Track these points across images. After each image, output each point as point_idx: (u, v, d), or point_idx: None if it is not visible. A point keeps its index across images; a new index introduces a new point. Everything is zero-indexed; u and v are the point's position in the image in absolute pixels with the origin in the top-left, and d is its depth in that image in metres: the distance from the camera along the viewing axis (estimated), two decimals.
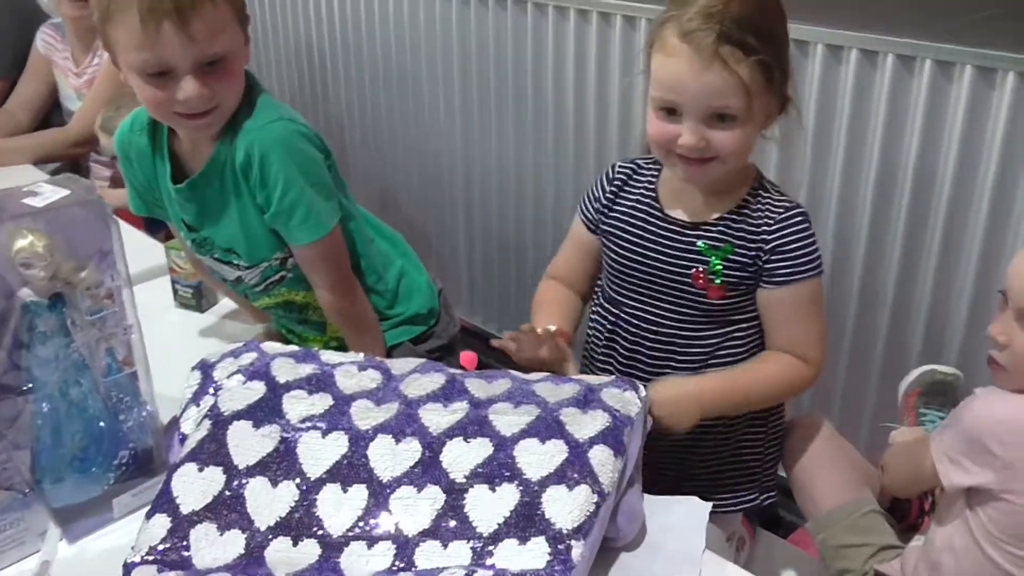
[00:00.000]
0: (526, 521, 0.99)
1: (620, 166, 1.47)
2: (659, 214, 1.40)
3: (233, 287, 1.58)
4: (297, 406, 1.13)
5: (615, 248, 1.43)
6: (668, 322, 1.41)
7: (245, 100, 1.38)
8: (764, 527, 1.66)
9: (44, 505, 1.11)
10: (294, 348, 1.26)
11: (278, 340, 1.47)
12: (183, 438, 1.16)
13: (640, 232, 1.41)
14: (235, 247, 1.47)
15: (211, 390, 1.19)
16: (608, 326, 1.47)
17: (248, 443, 1.09)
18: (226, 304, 1.77)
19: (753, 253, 1.34)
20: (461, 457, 1.06)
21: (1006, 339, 1.21)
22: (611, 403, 1.12)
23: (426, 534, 1.01)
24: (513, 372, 1.21)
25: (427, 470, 1.05)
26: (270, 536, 1.02)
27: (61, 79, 2.72)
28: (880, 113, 1.86)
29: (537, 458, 1.04)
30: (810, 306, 1.37)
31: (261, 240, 1.45)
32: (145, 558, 1.00)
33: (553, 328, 1.38)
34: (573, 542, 0.97)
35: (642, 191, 1.43)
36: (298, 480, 1.06)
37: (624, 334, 1.45)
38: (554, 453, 1.04)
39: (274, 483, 1.06)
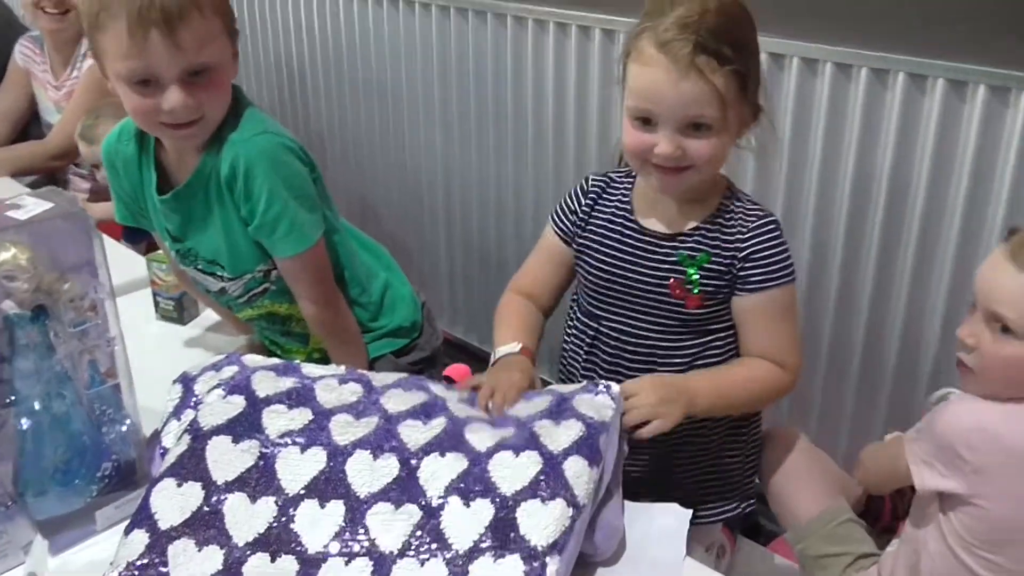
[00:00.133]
0: (501, 538, 1.00)
1: (594, 179, 1.47)
2: (635, 226, 1.40)
3: (216, 298, 1.58)
4: (277, 421, 1.14)
5: (592, 262, 1.43)
6: (648, 334, 1.41)
7: (231, 112, 1.39)
8: (744, 535, 1.67)
9: (27, 518, 1.11)
10: (275, 361, 1.26)
11: (261, 352, 1.48)
12: (164, 452, 1.16)
13: (617, 245, 1.41)
14: (219, 259, 1.47)
15: (192, 403, 1.19)
16: (588, 340, 1.46)
17: (227, 458, 1.09)
18: (208, 316, 1.77)
19: (728, 261, 1.35)
20: (437, 472, 1.07)
21: (974, 341, 1.22)
22: (584, 410, 1.13)
23: (403, 551, 1.01)
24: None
25: (404, 487, 1.06)
26: (248, 552, 1.02)
27: (40, 92, 2.71)
28: (855, 125, 1.88)
29: (511, 471, 1.05)
30: (784, 312, 1.38)
31: (245, 252, 1.45)
32: (123, 574, 1.00)
33: (518, 347, 1.37)
34: (548, 559, 0.98)
35: (617, 203, 1.43)
36: (276, 496, 1.06)
37: (604, 348, 1.44)
38: (528, 465, 1.05)
39: (253, 499, 1.06)
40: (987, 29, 1.67)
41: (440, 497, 1.05)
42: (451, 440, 1.10)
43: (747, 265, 1.34)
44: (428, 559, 1.00)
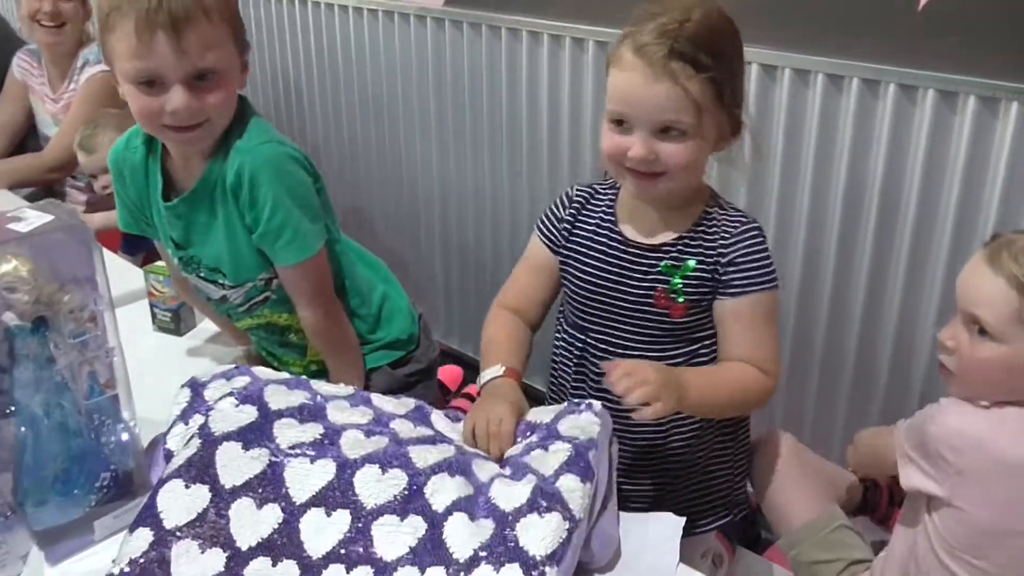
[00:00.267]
0: (501, 549, 1.02)
1: (578, 188, 1.48)
2: (619, 238, 1.41)
3: (217, 306, 1.59)
4: (288, 433, 1.15)
5: (577, 273, 1.44)
6: (635, 344, 1.41)
7: (237, 121, 1.41)
8: (744, 545, 1.68)
9: (26, 528, 1.12)
10: (285, 375, 1.29)
11: (258, 363, 1.49)
12: (168, 454, 1.17)
13: (602, 256, 1.41)
14: (221, 266, 1.48)
15: (202, 410, 1.20)
16: (576, 352, 1.47)
17: (236, 464, 1.11)
18: (204, 328, 1.78)
19: (711, 267, 1.35)
20: (444, 488, 1.09)
21: (953, 344, 1.24)
22: (570, 433, 1.16)
23: (404, 559, 1.03)
24: None
25: (411, 500, 1.08)
26: (250, 556, 1.04)
27: (37, 105, 2.73)
28: (846, 135, 1.90)
29: (508, 491, 1.08)
30: (766, 318, 1.37)
31: (247, 260, 1.46)
32: (125, 570, 1.01)
33: (502, 370, 1.35)
34: (547, 568, 1.00)
35: (601, 215, 1.44)
36: (283, 503, 1.08)
37: (593, 359, 1.44)
38: (525, 486, 1.08)
39: (259, 505, 1.08)
40: (977, 41, 1.68)
41: (445, 511, 1.07)
42: (459, 465, 1.13)
43: (730, 269, 1.35)
44: (429, 567, 1.01)
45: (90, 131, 2.39)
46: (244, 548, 1.04)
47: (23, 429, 1.10)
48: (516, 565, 1.00)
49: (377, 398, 1.29)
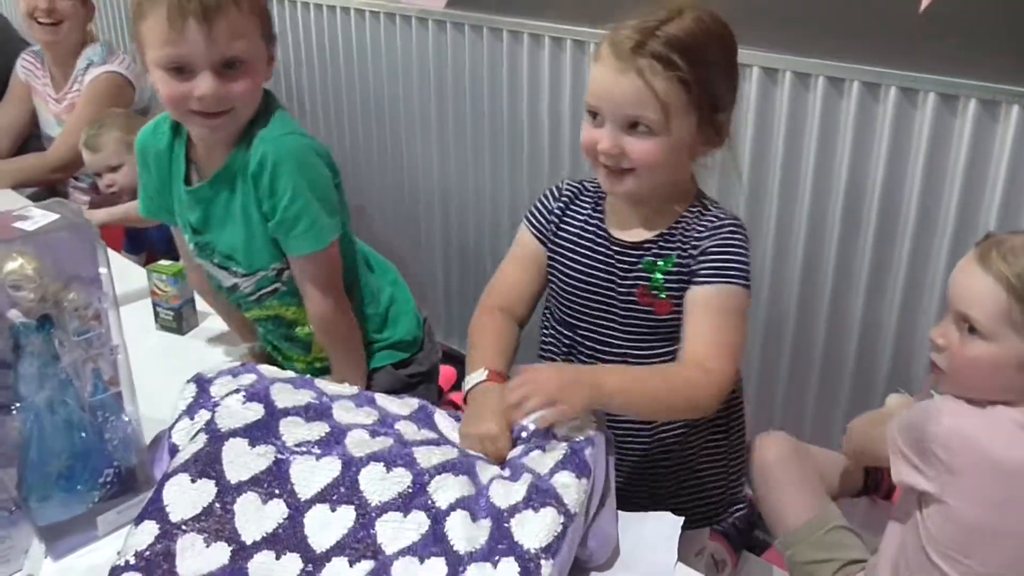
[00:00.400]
0: (497, 545, 1.03)
1: (568, 184, 1.48)
2: (604, 236, 1.40)
3: (228, 295, 1.60)
4: (294, 431, 1.17)
5: (564, 269, 1.43)
6: (621, 342, 1.40)
7: (262, 112, 1.44)
8: (746, 548, 1.69)
9: (30, 523, 1.12)
10: (291, 374, 1.30)
11: (262, 363, 1.49)
12: (173, 448, 1.18)
13: (588, 254, 1.41)
14: (235, 254, 1.51)
15: (208, 405, 1.21)
16: (564, 349, 1.47)
17: (243, 460, 1.12)
18: (207, 327, 1.79)
19: (687, 259, 1.34)
20: (447, 487, 1.10)
21: (944, 342, 1.25)
22: (568, 433, 1.17)
23: (405, 551, 1.04)
24: None
25: (414, 497, 1.09)
26: (255, 550, 1.05)
27: (40, 105, 2.73)
28: (847, 138, 1.91)
29: (506, 490, 1.09)
30: (726, 313, 1.32)
31: (260, 249, 1.49)
32: (130, 563, 1.02)
33: (485, 374, 1.32)
34: (542, 561, 1.01)
35: (590, 212, 1.44)
36: (288, 499, 1.09)
37: (581, 356, 1.44)
38: (521, 484, 1.09)
39: (264, 500, 1.09)
40: (978, 44, 1.69)
41: (448, 507, 1.08)
42: (463, 466, 1.14)
43: (701, 258, 1.33)
44: (428, 556, 1.02)
45: (95, 130, 2.40)
46: (249, 542, 1.05)
47: (28, 425, 1.10)
48: (512, 559, 1.01)
49: (381, 398, 1.30)
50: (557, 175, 2.49)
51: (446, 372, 2.51)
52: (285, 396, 1.22)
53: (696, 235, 1.34)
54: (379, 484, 1.10)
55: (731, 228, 1.35)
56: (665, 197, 1.36)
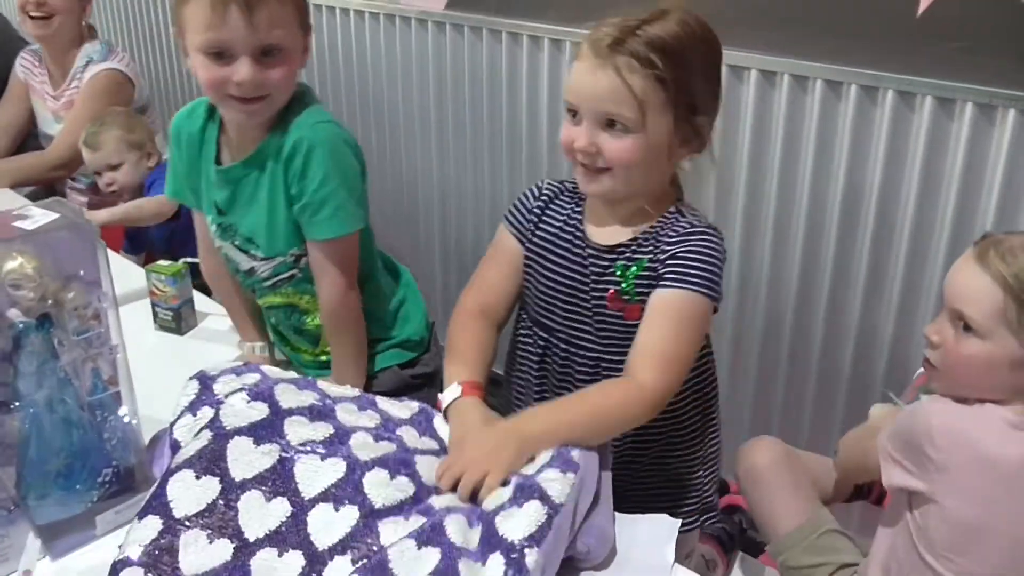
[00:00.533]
0: (486, 543, 1.04)
1: (548, 184, 1.47)
2: (581, 238, 1.39)
3: (244, 279, 1.63)
4: (298, 430, 1.17)
5: (541, 271, 1.42)
6: (593, 346, 1.39)
7: (297, 101, 1.49)
8: (742, 549, 1.69)
9: (28, 521, 1.13)
10: (293, 375, 1.31)
11: (262, 363, 1.50)
12: (175, 444, 1.19)
13: (565, 255, 1.39)
14: (256, 237, 1.54)
15: (211, 402, 1.22)
16: (538, 351, 1.45)
17: (247, 458, 1.13)
18: (205, 327, 1.80)
19: (656, 264, 1.32)
20: (447, 498, 1.13)
21: (938, 339, 1.26)
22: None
23: (404, 538, 1.05)
24: None
25: (416, 503, 1.11)
26: (257, 547, 1.05)
27: (38, 103, 2.73)
28: (844, 141, 1.91)
29: (496, 495, 1.11)
30: (679, 322, 1.28)
31: (282, 233, 1.52)
32: (132, 557, 1.02)
33: (459, 391, 1.29)
34: (527, 550, 1.01)
35: (569, 212, 1.42)
36: (292, 498, 1.10)
37: (555, 358, 1.43)
38: (508, 488, 1.11)
39: (268, 498, 1.09)
40: (975, 47, 1.70)
41: (446, 509, 1.09)
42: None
43: (668, 262, 1.30)
44: (426, 545, 1.04)
45: (96, 128, 2.41)
46: (252, 539, 1.06)
47: (26, 424, 1.11)
48: (497, 553, 1.02)
49: (383, 401, 1.31)
50: (556, 176, 2.48)
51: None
52: (289, 396, 1.23)
53: (668, 239, 1.32)
54: (383, 489, 1.11)
55: (703, 235, 1.31)
56: (642, 199, 1.34)
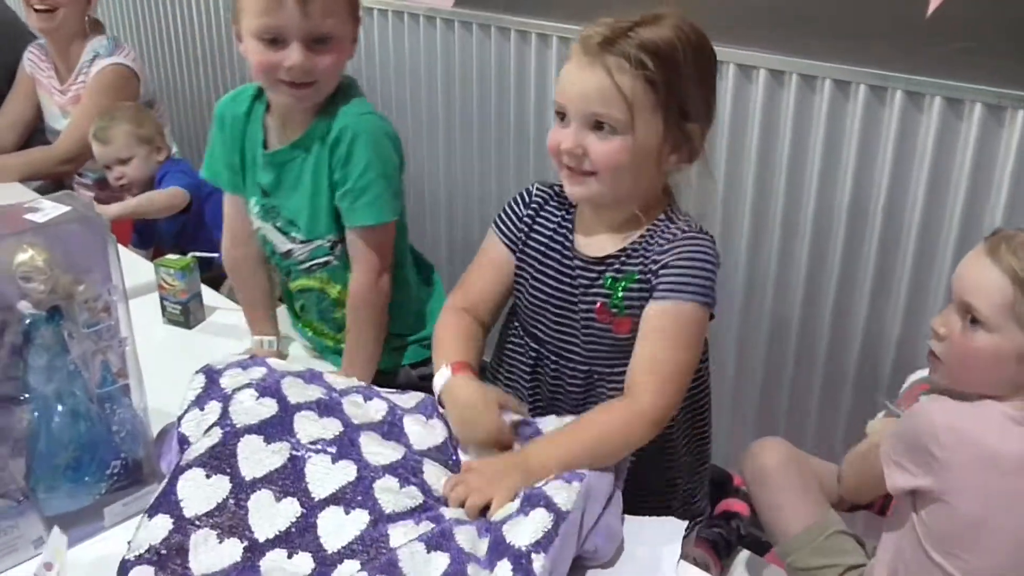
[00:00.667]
0: (493, 552, 1.05)
1: (539, 189, 1.43)
2: (570, 249, 1.36)
3: (280, 261, 1.67)
4: (308, 427, 1.18)
5: (531, 281, 1.40)
6: (583, 359, 1.37)
7: (343, 91, 1.53)
8: (746, 547, 1.69)
9: (38, 513, 1.13)
10: (299, 368, 1.32)
11: (269, 356, 1.51)
12: (183, 438, 1.19)
13: (555, 266, 1.37)
14: (297, 220, 1.58)
15: (218, 397, 1.22)
16: (530, 361, 1.44)
17: (257, 457, 1.13)
18: (213, 321, 1.80)
19: (648, 275, 1.29)
20: (458, 511, 1.13)
21: (945, 331, 1.26)
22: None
23: (413, 541, 1.06)
24: None
25: (427, 511, 1.12)
26: (267, 548, 1.05)
27: (45, 98, 2.73)
28: (853, 141, 1.91)
29: (504, 508, 1.12)
30: (675, 336, 1.26)
31: (322, 217, 1.56)
32: (143, 556, 1.03)
33: (448, 373, 1.29)
34: (534, 555, 1.02)
35: (559, 221, 1.39)
36: (302, 498, 1.10)
37: (547, 368, 1.41)
38: (515, 500, 1.12)
39: (278, 498, 1.10)
40: (984, 48, 1.69)
41: (456, 520, 1.11)
42: None
43: (660, 273, 1.27)
44: (435, 549, 1.04)
45: (105, 123, 2.42)
46: (262, 540, 1.06)
47: (36, 416, 1.12)
48: (505, 560, 1.03)
49: (387, 392, 1.31)
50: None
51: None
52: (296, 390, 1.23)
53: (658, 249, 1.29)
54: (393, 496, 1.12)
55: (693, 241, 1.28)
56: (631, 206, 1.31)
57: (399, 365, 1.68)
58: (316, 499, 1.10)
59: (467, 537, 1.06)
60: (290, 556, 1.05)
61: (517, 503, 1.10)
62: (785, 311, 2.14)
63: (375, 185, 1.50)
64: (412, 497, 1.13)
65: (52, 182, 2.70)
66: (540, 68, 2.45)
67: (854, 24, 1.84)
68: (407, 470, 1.16)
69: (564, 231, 1.38)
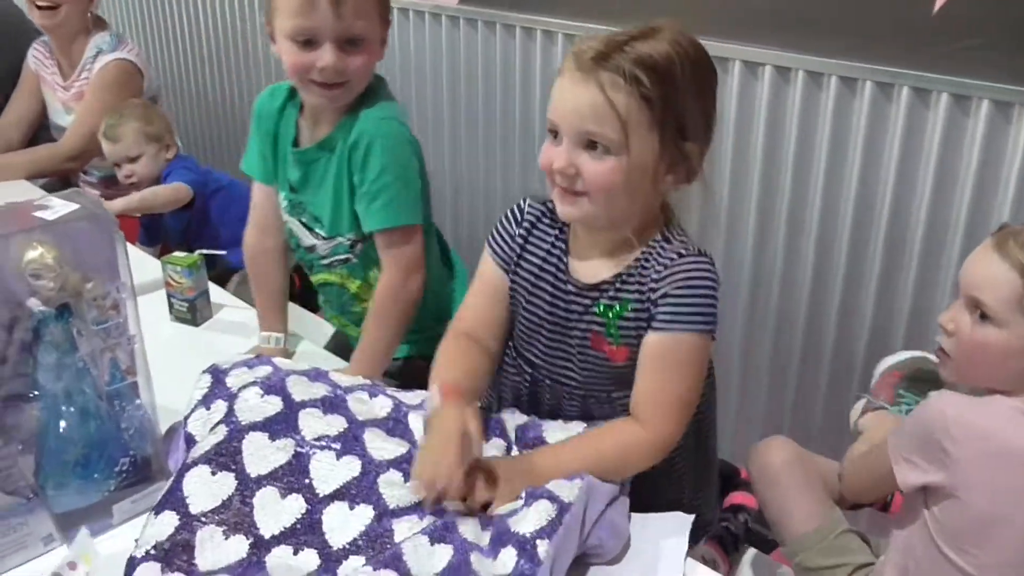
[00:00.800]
0: (496, 542, 1.06)
1: (531, 205, 1.36)
2: (564, 273, 1.31)
3: (304, 254, 1.71)
4: (312, 424, 1.18)
5: (524, 305, 1.35)
6: (579, 385, 1.33)
7: (371, 93, 1.57)
8: (752, 545, 1.69)
9: (47, 510, 1.13)
10: (305, 366, 1.33)
11: (275, 355, 1.51)
12: (189, 437, 1.19)
13: (549, 290, 1.32)
14: (321, 217, 1.62)
15: (224, 396, 1.22)
16: (528, 384, 1.39)
17: (263, 454, 1.14)
18: (220, 318, 1.80)
19: (646, 304, 1.24)
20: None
21: (953, 327, 1.26)
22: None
23: (417, 533, 1.07)
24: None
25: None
26: (273, 544, 1.06)
27: (49, 94, 2.74)
28: (859, 137, 1.91)
29: (506, 506, 1.13)
30: (677, 366, 1.23)
31: (344, 217, 1.60)
32: (149, 553, 1.03)
33: (437, 399, 1.22)
34: (538, 540, 1.03)
35: (552, 242, 1.33)
36: (307, 494, 1.11)
37: (544, 391, 1.37)
38: (519, 497, 1.13)
39: (283, 494, 1.10)
40: (991, 45, 1.69)
41: (460, 515, 1.11)
42: None
43: (659, 302, 1.22)
44: (439, 541, 1.05)
45: (115, 120, 2.42)
46: (267, 536, 1.07)
47: (45, 413, 1.12)
48: (510, 546, 1.03)
49: (392, 390, 1.32)
50: None
51: None
52: (301, 388, 1.24)
53: (655, 276, 1.23)
54: (398, 490, 1.12)
55: (693, 267, 1.23)
56: (626, 228, 1.25)
57: (411, 355, 1.69)
58: (321, 495, 1.11)
59: (470, 528, 1.07)
60: (296, 552, 1.06)
61: (520, 502, 1.11)
62: (791, 308, 2.14)
63: (389, 189, 1.52)
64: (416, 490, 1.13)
65: (58, 179, 2.70)
66: (545, 65, 2.45)
67: (861, 21, 1.84)
68: (411, 464, 1.16)
69: (557, 252, 1.32)
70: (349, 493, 1.11)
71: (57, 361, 1.11)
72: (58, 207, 1.10)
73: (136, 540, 1.06)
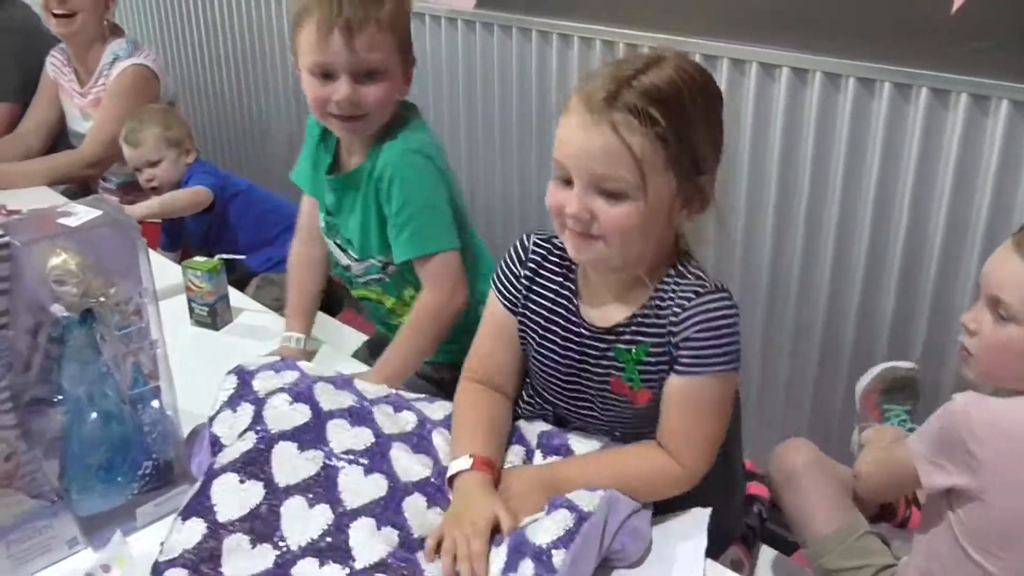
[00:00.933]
0: (515, 553, 1.06)
1: (536, 244, 1.32)
2: (575, 316, 1.28)
3: (342, 272, 1.76)
4: (341, 436, 1.20)
5: (536, 347, 1.32)
6: (603, 422, 1.31)
7: (397, 124, 1.61)
8: (768, 544, 1.68)
9: (71, 513, 1.14)
10: (330, 373, 1.34)
11: (298, 358, 1.52)
12: (214, 439, 1.20)
13: (561, 333, 1.29)
14: (353, 240, 1.68)
15: (250, 398, 1.23)
16: (551, 419, 1.37)
17: (291, 464, 1.15)
18: (240, 322, 1.81)
19: (665, 348, 1.21)
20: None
21: (975, 326, 1.26)
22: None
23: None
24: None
25: None
26: (299, 556, 1.06)
27: (66, 101, 2.75)
28: (877, 138, 1.90)
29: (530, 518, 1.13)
30: (706, 407, 1.21)
31: (372, 242, 1.65)
32: (176, 560, 1.04)
33: (469, 463, 1.20)
34: (554, 551, 1.03)
35: (560, 284, 1.30)
36: (335, 507, 1.11)
37: (571, 424, 1.36)
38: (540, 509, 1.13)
39: (311, 505, 1.11)
40: (1010, 45, 1.69)
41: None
42: None
43: (682, 345, 1.19)
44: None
45: (135, 125, 2.44)
46: (294, 547, 1.07)
47: (69, 417, 1.13)
48: (527, 559, 1.04)
49: (416, 402, 1.34)
50: None
51: None
52: (328, 397, 1.25)
53: (673, 318, 1.20)
54: (421, 517, 1.14)
55: (711, 307, 1.19)
56: (638, 268, 1.22)
57: (445, 362, 1.69)
58: (348, 509, 1.12)
59: (492, 553, 1.08)
60: (321, 566, 1.06)
61: (542, 512, 1.12)
62: (809, 311, 2.13)
63: (414, 221, 1.56)
64: (440, 515, 1.15)
65: (78, 186, 2.72)
66: (562, 68, 2.45)
67: (878, 22, 1.84)
68: (434, 488, 1.18)
69: (567, 294, 1.29)
70: (375, 512, 1.12)
71: (80, 366, 1.11)
72: (81, 213, 1.11)
73: (161, 544, 1.07)
